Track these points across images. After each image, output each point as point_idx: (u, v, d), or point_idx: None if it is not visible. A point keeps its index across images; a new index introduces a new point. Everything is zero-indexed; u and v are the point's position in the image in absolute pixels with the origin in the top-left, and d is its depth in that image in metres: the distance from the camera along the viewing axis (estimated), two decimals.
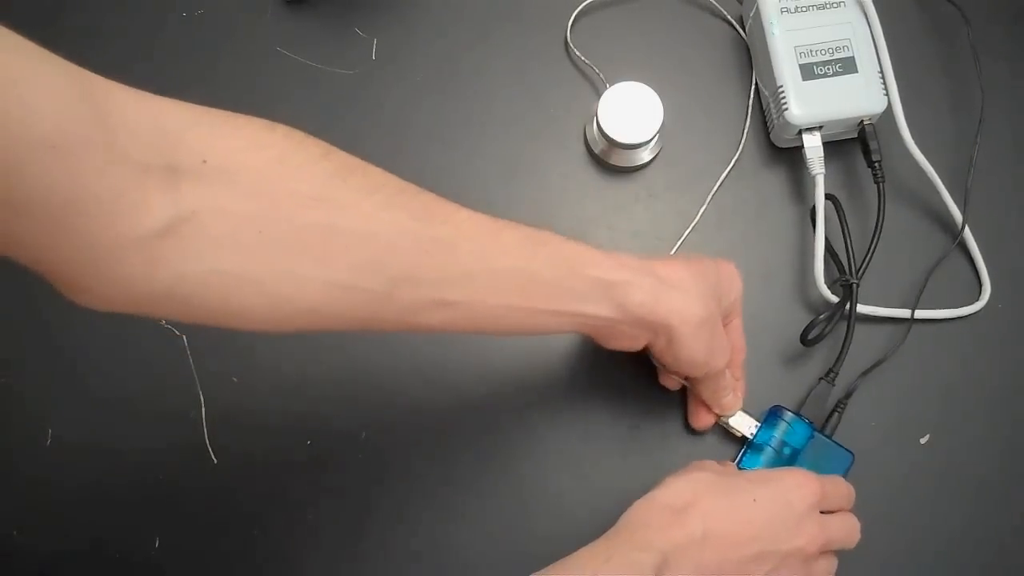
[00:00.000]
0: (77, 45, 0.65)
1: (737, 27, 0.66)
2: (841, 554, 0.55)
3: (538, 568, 0.57)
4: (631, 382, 0.60)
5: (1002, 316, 0.61)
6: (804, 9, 0.61)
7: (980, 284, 0.62)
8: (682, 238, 0.62)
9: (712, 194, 0.63)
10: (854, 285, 0.58)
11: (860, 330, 0.59)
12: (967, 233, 0.61)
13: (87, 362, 0.60)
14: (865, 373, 0.59)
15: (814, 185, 0.60)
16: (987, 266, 0.61)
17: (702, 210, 0.63)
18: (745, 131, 0.64)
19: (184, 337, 0.60)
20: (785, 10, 0.61)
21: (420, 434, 0.59)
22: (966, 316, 0.61)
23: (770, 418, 0.58)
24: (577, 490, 0.58)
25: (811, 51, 0.60)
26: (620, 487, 0.59)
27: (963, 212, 0.61)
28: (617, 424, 0.59)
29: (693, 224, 0.62)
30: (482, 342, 0.61)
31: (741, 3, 0.65)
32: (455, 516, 0.58)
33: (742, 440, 0.58)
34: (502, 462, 0.59)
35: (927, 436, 0.59)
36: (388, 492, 0.59)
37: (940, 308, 0.61)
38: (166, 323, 0.60)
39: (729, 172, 0.63)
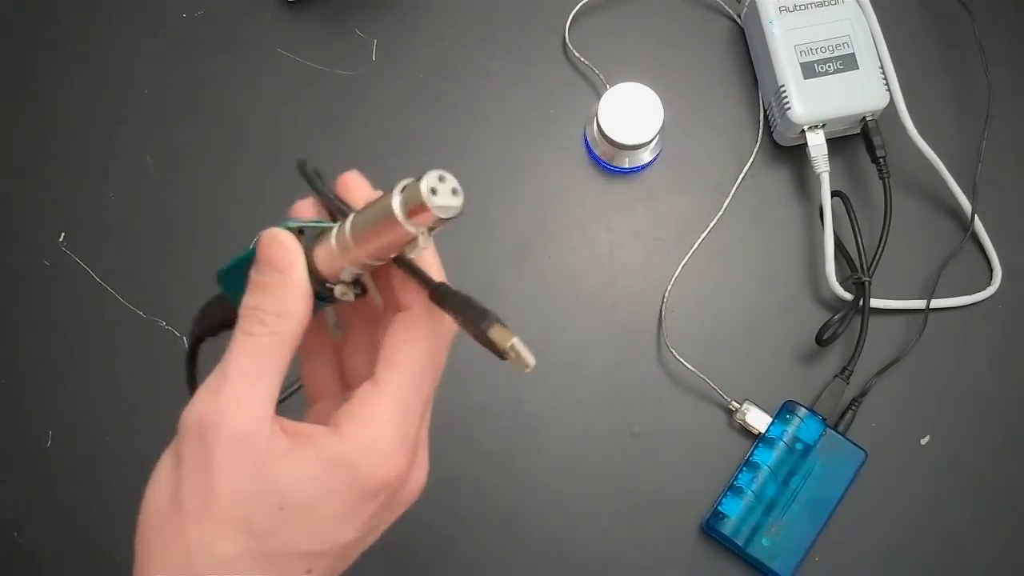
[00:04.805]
0: (77, 45, 0.66)
1: (737, 26, 0.65)
2: (841, 553, 0.55)
3: (538, 570, 0.57)
4: (631, 382, 0.60)
5: (1015, 301, 0.61)
6: (803, 7, 0.60)
7: (991, 271, 0.62)
8: (696, 244, 0.62)
9: (728, 194, 0.63)
10: (867, 283, 0.58)
11: (873, 323, 0.59)
12: (976, 221, 0.61)
13: (87, 362, 0.60)
14: (881, 372, 0.59)
15: (819, 183, 0.60)
16: (997, 254, 0.61)
17: (722, 209, 0.62)
18: (760, 135, 0.64)
19: (184, 338, 0.60)
20: (784, 9, 0.60)
21: None
22: (979, 302, 0.61)
23: (783, 413, 0.58)
24: (577, 490, 0.58)
25: (811, 49, 0.60)
26: (621, 488, 0.59)
27: (972, 201, 0.61)
28: (617, 424, 0.59)
29: (710, 226, 0.62)
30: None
31: (740, 2, 0.65)
32: (453, 516, 0.58)
33: (754, 435, 0.58)
34: (502, 462, 0.59)
35: (927, 437, 0.59)
36: None
37: (953, 296, 0.61)
38: (166, 324, 0.61)
39: (744, 174, 0.63)
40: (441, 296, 0.32)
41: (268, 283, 0.33)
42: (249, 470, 0.31)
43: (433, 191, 0.29)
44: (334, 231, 0.32)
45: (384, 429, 0.33)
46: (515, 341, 0.30)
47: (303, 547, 0.32)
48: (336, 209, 0.34)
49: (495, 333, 0.30)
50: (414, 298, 0.33)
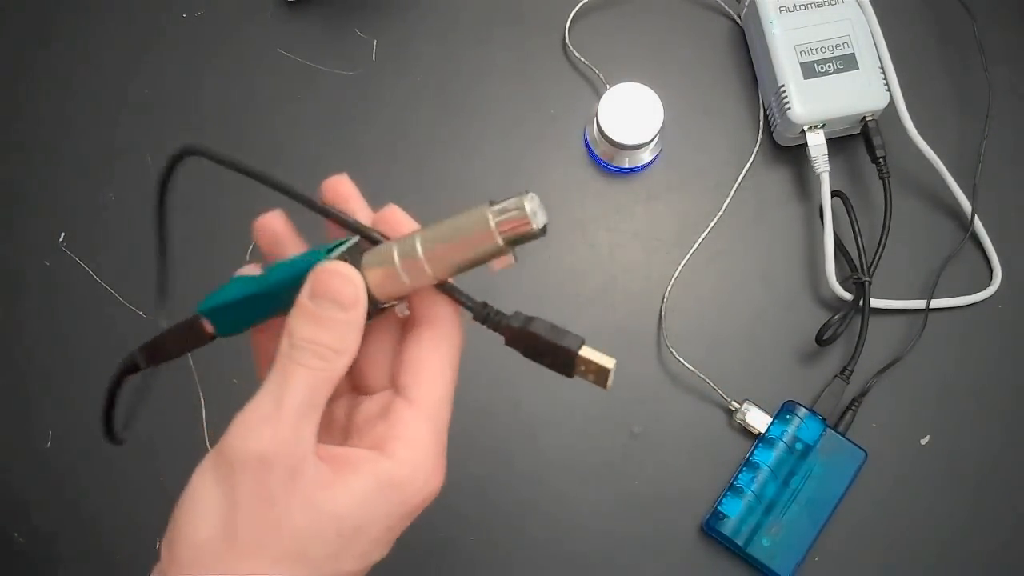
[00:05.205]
0: (78, 45, 0.66)
1: (736, 26, 0.65)
2: (841, 553, 0.55)
3: (538, 570, 0.57)
4: (631, 382, 0.60)
5: (1015, 301, 0.61)
6: (803, 7, 0.61)
7: (991, 271, 0.62)
8: (696, 244, 0.62)
9: (728, 194, 0.63)
10: (867, 283, 0.58)
11: (873, 323, 0.59)
12: (976, 221, 0.61)
13: (87, 362, 0.60)
14: (881, 372, 0.59)
15: (820, 183, 0.60)
16: (997, 254, 0.61)
17: (722, 209, 0.62)
18: (760, 135, 0.64)
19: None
20: (784, 9, 0.60)
21: None
22: (979, 302, 0.61)
23: (783, 413, 0.58)
24: (577, 490, 0.58)
25: (811, 49, 0.60)
26: (621, 488, 0.59)
27: (972, 201, 0.61)
28: (617, 424, 0.59)
29: (710, 226, 0.62)
30: (481, 343, 0.61)
31: (740, 2, 0.65)
32: (453, 516, 0.58)
33: (754, 435, 0.58)
34: (502, 462, 0.59)
35: (927, 437, 0.59)
36: None
37: (953, 296, 0.61)
38: (166, 324, 0.60)
39: (744, 174, 0.63)
40: (486, 317, 0.34)
41: (327, 318, 0.32)
42: (304, 502, 0.32)
43: (531, 208, 0.30)
44: (397, 253, 0.32)
45: (426, 449, 0.34)
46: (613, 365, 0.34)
47: (348, 567, 0.33)
48: (364, 234, 0.34)
49: (588, 354, 0.34)
50: (439, 312, 0.34)
